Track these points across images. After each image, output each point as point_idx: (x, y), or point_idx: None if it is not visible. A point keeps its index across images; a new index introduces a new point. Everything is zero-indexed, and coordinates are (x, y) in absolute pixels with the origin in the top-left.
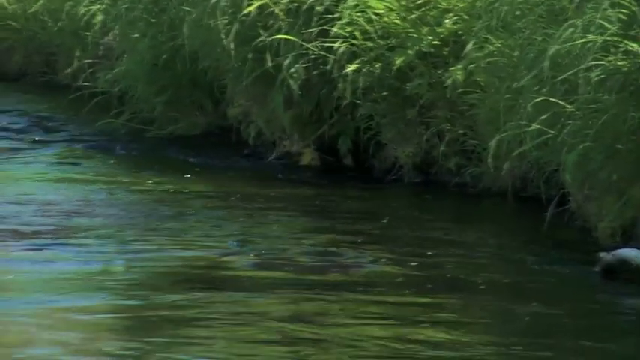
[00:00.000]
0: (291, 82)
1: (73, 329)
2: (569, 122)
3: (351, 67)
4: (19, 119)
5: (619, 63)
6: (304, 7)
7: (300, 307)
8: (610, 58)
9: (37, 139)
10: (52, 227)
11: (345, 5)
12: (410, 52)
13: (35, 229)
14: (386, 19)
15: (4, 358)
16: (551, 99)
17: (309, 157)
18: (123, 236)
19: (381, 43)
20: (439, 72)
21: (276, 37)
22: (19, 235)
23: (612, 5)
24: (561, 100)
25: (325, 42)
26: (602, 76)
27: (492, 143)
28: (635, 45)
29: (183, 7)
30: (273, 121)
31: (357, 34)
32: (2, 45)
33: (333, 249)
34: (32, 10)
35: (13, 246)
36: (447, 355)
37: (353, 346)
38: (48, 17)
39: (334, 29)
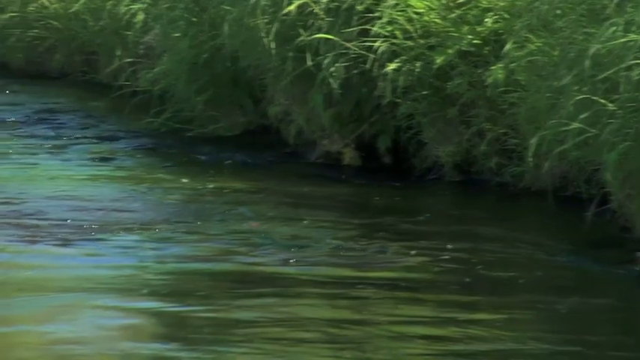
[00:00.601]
0: (331, 81)
1: (108, 328)
2: (610, 121)
3: (391, 66)
4: (59, 118)
5: None
6: (344, 6)
7: (341, 306)
8: None
9: (77, 137)
10: (90, 224)
11: (386, 4)
12: (450, 51)
13: (73, 226)
14: (426, 18)
15: (36, 355)
16: (592, 98)
17: (348, 156)
18: (161, 235)
19: (421, 42)
20: (479, 71)
21: (316, 36)
22: (57, 231)
23: None
24: (602, 98)
25: (365, 41)
26: None
27: (533, 142)
28: None
29: (224, 7)
30: (313, 120)
31: (397, 33)
32: (43, 44)
33: (373, 248)
34: (73, 9)
35: (50, 242)
36: (488, 352)
37: (395, 346)
38: (89, 16)
39: (374, 28)
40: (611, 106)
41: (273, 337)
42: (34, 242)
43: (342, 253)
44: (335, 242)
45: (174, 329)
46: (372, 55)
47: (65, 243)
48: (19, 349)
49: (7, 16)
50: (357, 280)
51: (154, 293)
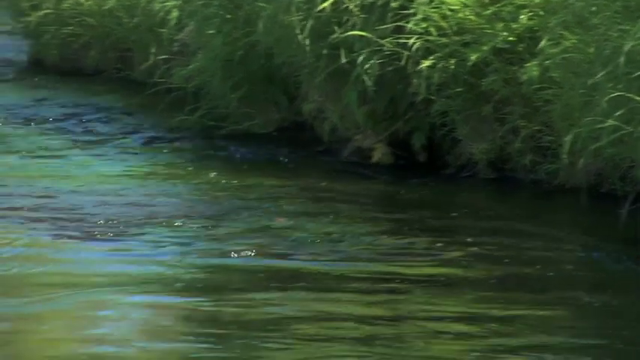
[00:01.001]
0: (365, 78)
1: (140, 325)
2: None
3: (425, 63)
4: (93, 115)
5: None
6: (379, 2)
7: (374, 302)
8: None
9: (110, 133)
10: (122, 220)
11: (420, 1)
12: (485, 48)
13: (105, 222)
14: (461, 15)
15: (69, 354)
16: (627, 95)
17: (381, 153)
18: (194, 231)
19: (456, 39)
20: (514, 68)
21: (350, 33)
22: (88, 226)
23: None
24: (637, 96)
25: (400, 38)
26: None
27: (567, 139)
28: None
29: (259, 3)
30: (347, 117)
31: (431, 30)
32: (78, 41)
33: (407, 244)
34: (108, 6)
35: (82, 237)
36: (522, 348)
37: (429, 342)
38: (123, 13)
39: (409, 25)
40: None
41: (306, 334)
42: (66, 237)
43: (375, 249)
44: (368, 238)
45: (207, 325)
46: (406, 52)
47: (98, 238)
48: (52, 348)
49: (42, 13)
50: (391, 277)
51: (187, 289)
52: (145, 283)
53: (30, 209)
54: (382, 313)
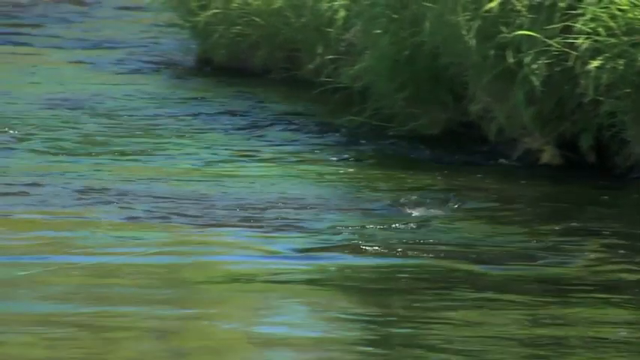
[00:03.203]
0: (532, 78)
1: (309, 328)
2: None
3: (593, 64)
4: (261, 114)
5: None
6: (547, 3)
7: (538, 305)
8: None
9: (276, 132)
10: (287, 220)
11: (589, 1)
12: None
13: (267, 221)
14: (630, 14)
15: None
16: None
17: (549, 154)
18: (356, 231)
19: (625, 39)
20: None
21: (517, 33)
22: (250, 224)
23: None
24: None
25: (567, 38)
26: None
27: None
28: None
29: (425, 3)
30: (514, 118)
31: (600, 30)
32: (246, 41)
33: (574, 247)
34: (275, 5)
35: (243, 235)
36: None
37: (594, 348)
38: (291, 13)
39: (577, 25)
40: None
41: (468, 336)
42: (252, 231)
43: (540, 253)
44: (532, 240)
45: (371, 329)
46: (574, 53)
47: (277, 236)
48: (232, 351)
49: (210, 12)
50: (556, 280)
51: (349, 290)
52: (310, 282)
53: (221, 208)
54: (546, 317)
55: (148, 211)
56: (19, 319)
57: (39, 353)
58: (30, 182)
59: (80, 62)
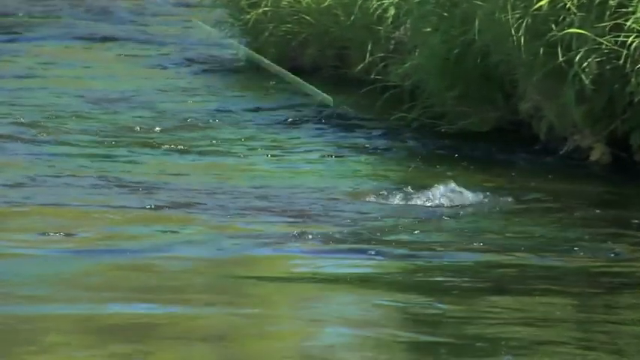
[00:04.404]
0: (583, 77)
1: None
2: None
3: None
4: (309, 112)
5: None
6: (597, 0)
7: (590, 305)
8: None
9: (323, 129)
10: (336, 217)
11: None
12: None
13: (320, 218)
14: None
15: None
16: None
17: (599, 152)
18: (401, 229)
19: None
20: None
21: (568, 31)
22: (300, 222)
23: None
24: None
25: (618, 36)
26: None
27: None
28: None
29: (476, 1)
30: (564, 116)
31: None
32: (296, 39)
33: (624, 245)
34: (325, 3)
35: (305, 239)
36: None
37: None
38: (340, 11)
39: (628, 23)
40: None
41: (517, 337)
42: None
43: (591, 251)
44: (585, 241)
45: (428, 324)
46: (625, 51)
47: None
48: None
49: (260, 10)
50: (608, 279)
51: (398, 287)
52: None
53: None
54: (598, 316)
55: (187, 204)
56: (62, 316)
57: (83, 353)
58: (71, 174)
59: (130, 56)
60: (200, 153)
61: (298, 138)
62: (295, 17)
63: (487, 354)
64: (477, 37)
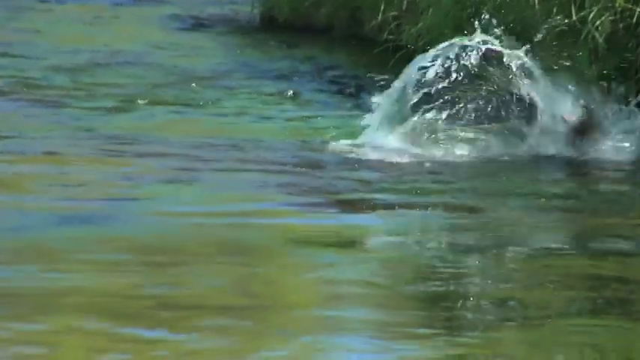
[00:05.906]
0: (596, 35)
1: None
2: None
3: None
4: (322, 71)
5: None
6: None
7: None
8: None
9: (340, 91)
10: (366, 184)
11: None
12: None
13: (350, 185)
14: None
15: None
16: None
17: None
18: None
19: None
20: None
21: None
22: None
23: None
24: None
25: None
26: None
27: None
28: None
29: None
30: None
31: None
32: None
33: None
34: None
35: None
36: None
37: None
38: None
39: None
40: None
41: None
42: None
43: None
44: None
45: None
46: (638, 9)
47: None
48: None
49: None
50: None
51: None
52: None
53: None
54: None
55: (208, 169)
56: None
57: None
58: (83, 136)
59: (142, 17)
60: (203, 112)
61: (309, 101)
62: None
63: (498, 314)
64: None
